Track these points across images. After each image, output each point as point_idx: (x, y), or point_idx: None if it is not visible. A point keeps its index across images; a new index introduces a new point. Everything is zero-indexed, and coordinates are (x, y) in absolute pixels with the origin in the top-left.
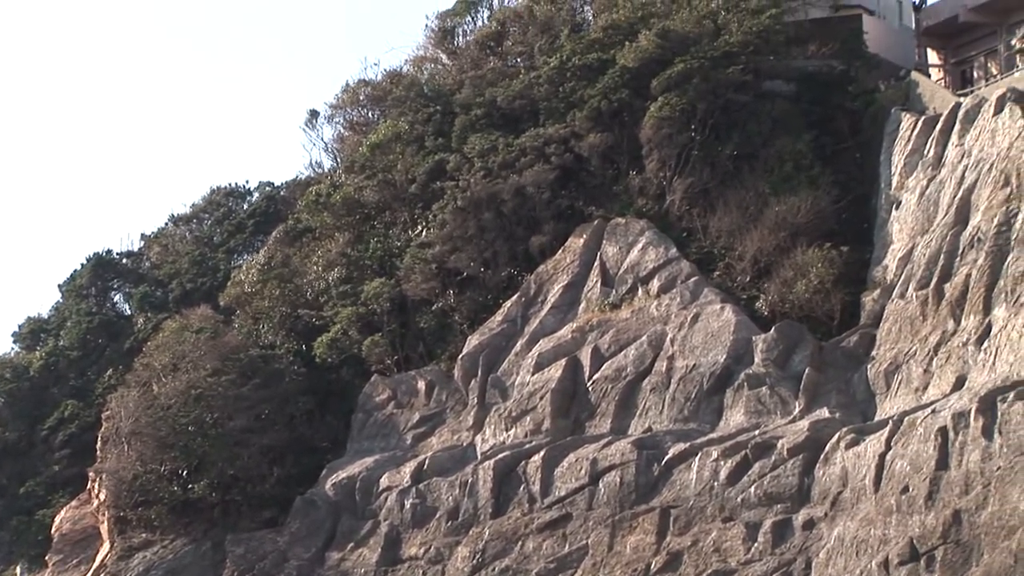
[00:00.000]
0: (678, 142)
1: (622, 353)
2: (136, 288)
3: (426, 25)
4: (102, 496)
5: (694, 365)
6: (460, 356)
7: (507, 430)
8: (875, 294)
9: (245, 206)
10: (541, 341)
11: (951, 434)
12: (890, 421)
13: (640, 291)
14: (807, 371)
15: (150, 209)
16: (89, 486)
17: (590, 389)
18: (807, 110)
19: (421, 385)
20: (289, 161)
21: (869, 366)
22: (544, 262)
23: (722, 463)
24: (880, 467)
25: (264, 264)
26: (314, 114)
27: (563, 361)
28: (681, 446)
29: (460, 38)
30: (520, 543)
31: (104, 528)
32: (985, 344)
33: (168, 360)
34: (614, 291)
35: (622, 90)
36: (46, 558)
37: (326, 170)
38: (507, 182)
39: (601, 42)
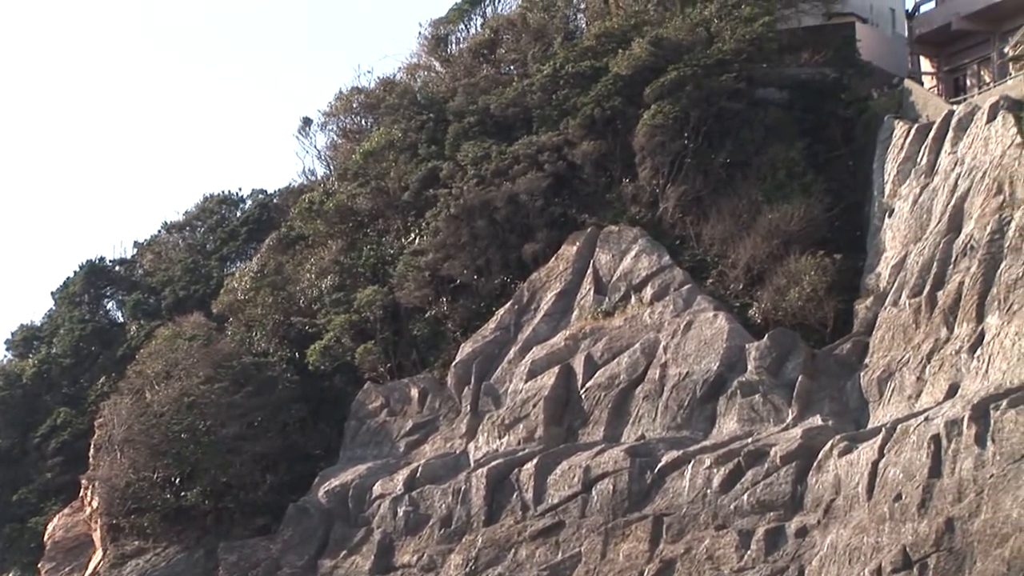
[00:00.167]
0: (671, 150)
1: (615, 361)
2: (129, 295)
3: (419, 33)
4: (95, 503)
5: (687, 373)
6: (453, 364)
7: (500, 438)
8: (868, 302)
9: (238, 213)
10: (534, 349)
11: (944, 442)
12: (883, 429)
13: (633, 299)
14: (800, 379)
15: (143, 216)
16: (82, 493)
17: (583, 397)
18: (800, 118)
19: (414, 393)
20: (282, 169)
21: (862, 374)
22: (537, 270)
23: (715, 471)
24: (873, 475)
25: (257, 272)
26: (307, 121)
27: (556, 369)
28: (674, 454)
29: (453, 46)
30: (513, 551)
31: (97, 535)
32: (978, 352)
33: (161, 367)
34: (607, 299)
35: (615, 98)
36: (39, 566)
37: (319, 178)
38: (500, 190)
39: (594, 50)
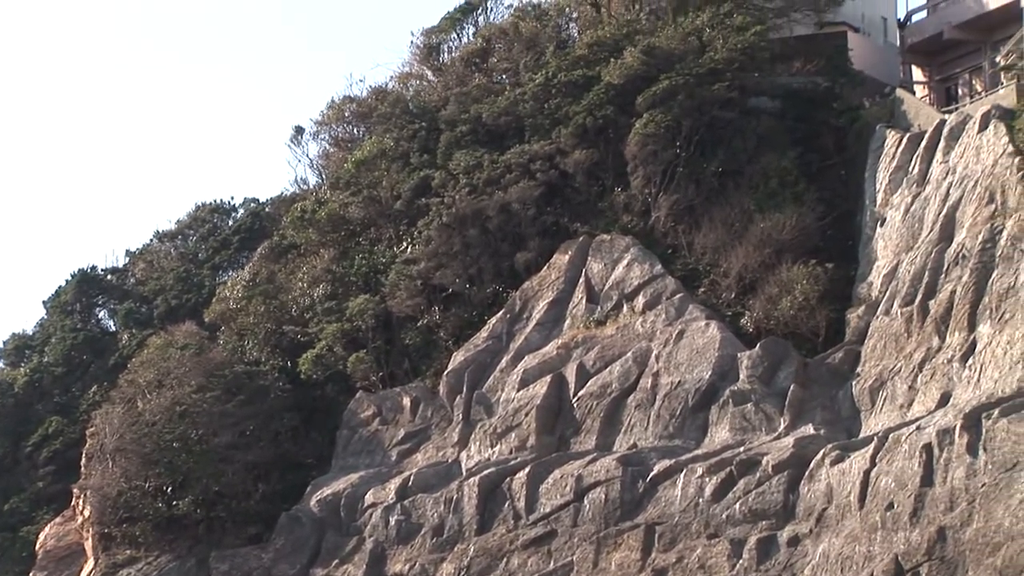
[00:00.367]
0: (663, 159)
1: (607, 370)
2: (121, 304)
3: (411, 42)
4: (86, 513)
5: (679, 382)
6: (445, 372)
7: (492, 446)
8: (860, 311)
9: (230, 222)
10: (526, 357)
11: (936, 451)
12: (875, 438)
13: (625, 308)
14: (792, 388)
15: (135, 225)
16: (73, 503)
17: (575, 406)
18: (792, 127)
19: (406, 401)
20: (274, 177)
21: (854, 383)
22: (529, 279)
23: (707, 480)
24: (865, 484)
25: (249, 280)
26: (299, 130)
27: (548, 378)
28: (666, 463)
29: (445, 55)
30: (505, 560)
31: (88, 545)
32: (970, 361)
33: (153, 376)
34: (599, 308)
35: (607, 107)
36: (30, 575)
37: (311, 186)
38: (492, 198)
39: (586, 59)
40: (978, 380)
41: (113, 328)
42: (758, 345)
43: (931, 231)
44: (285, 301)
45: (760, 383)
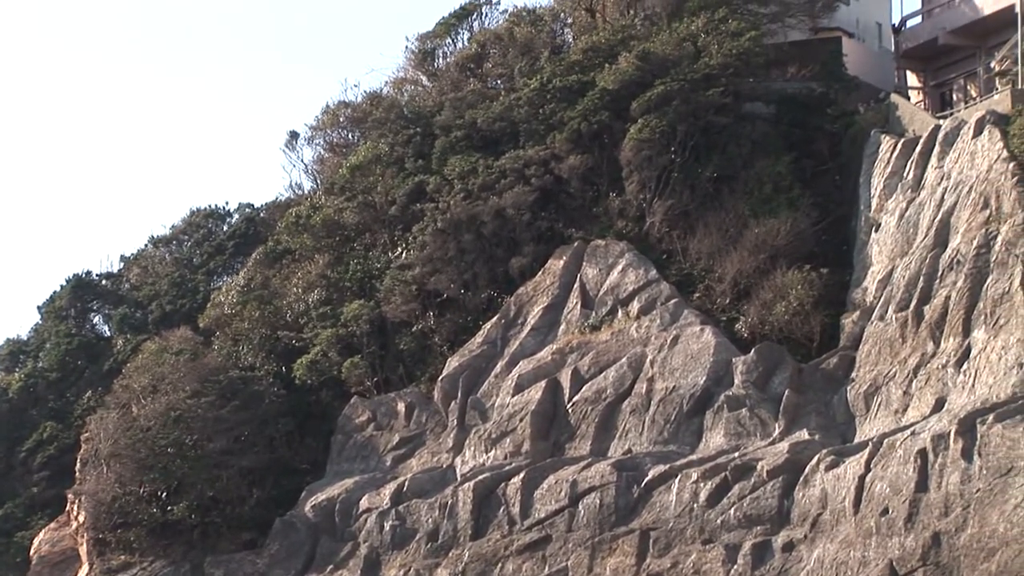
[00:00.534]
0: (658, 164)
1: (602, 375)
2: (115, 309)
3: (406, 47)
4: (81, 518)
5: (674, 387)
6: (440, 378)
7: (487, 452)
8: (854, 316)
9: (225, 228)
10: (521, 363)
11: (930, 456)
12: (869, 443)
13: (620, 313)
14: (787, 393)
15: (130, 230)
16: (68, 508)
17: (570, 411)
18: (787, 132)
19: (401, 407)
20: (269, 183)
21: (848, 388)
22: (524, 284)
23: (702, 485)
24: (859, 489)
25: (244, 286)
26: (294, 135)
27: (543, 383)
28: (661, 468)
29: (440, 60)
30: (500, 565)
31: (83, 550)
32: (964, 366)
33: (147, 382)
34: (594, 313)
35: (602, 112)
36: None
37: (306, 192)
38: (487, 204)
39: (581, 64)
40: (973, 385)
41: (108, 333)
42: (753, 350)
43: (926, 236)
44: (280, 306)
45: (755, 388)
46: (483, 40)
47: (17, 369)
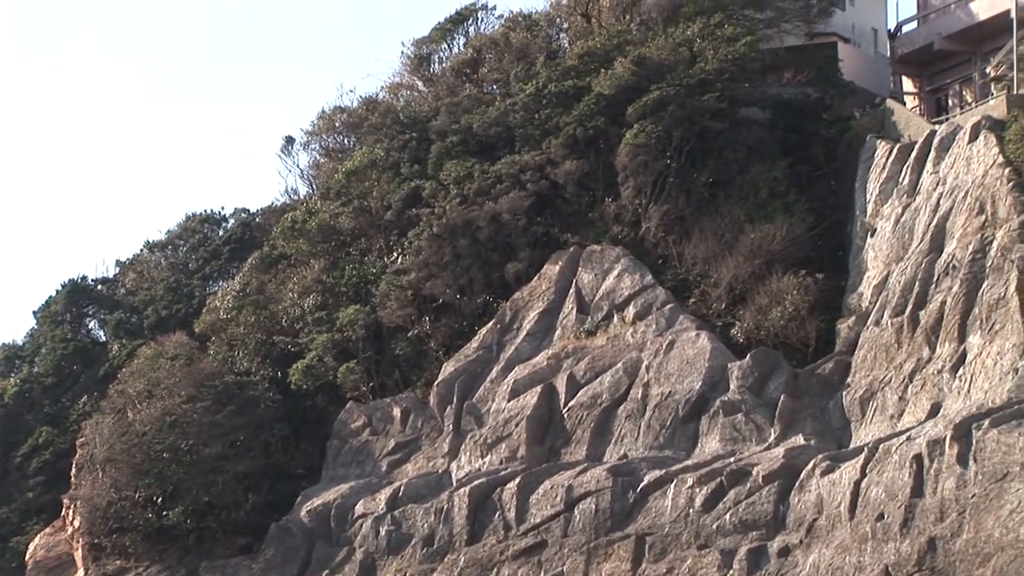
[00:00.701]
0: (654, 169)
1: (597, 380)
2: (111, 315)
3: (402, 52)
4: (76, 523)
5: (669, 392)
6: (435, 383)
7: (482, 457)
8: (850, 321)
9: (220, 233)
10: (516, 368)
11: (926, 461)
12: (865, 448)
13: (615, 318)
14: (782, 398)
15: (125, 235)
16: (63, 513)
17: (565, 416)
18: (782, 137)
19: (396, 412)
20: (265, 188)
21: (844, 393)
22: (520, 289)
23: (697, 490)
24: (855, 494)
25: (239, 291)
26: (290, 141)
27: (538, 388)
28: (656, 473)
29: (436, 65)
30: (495, 570)
31: (78, 555)
32: (960, 371)
33: (143, 387)
34: (589, 318)
35: (598, 117)
36: None
37: (302, 197)
38: (483, 209)
39: (577, 69)
40: (968, 390)
41: (103, 338)
42: (748, 355)
43: (921, 242)
44: (275, 311)
45: (750, 393)
46: (479, 45)
47: (13, 374)
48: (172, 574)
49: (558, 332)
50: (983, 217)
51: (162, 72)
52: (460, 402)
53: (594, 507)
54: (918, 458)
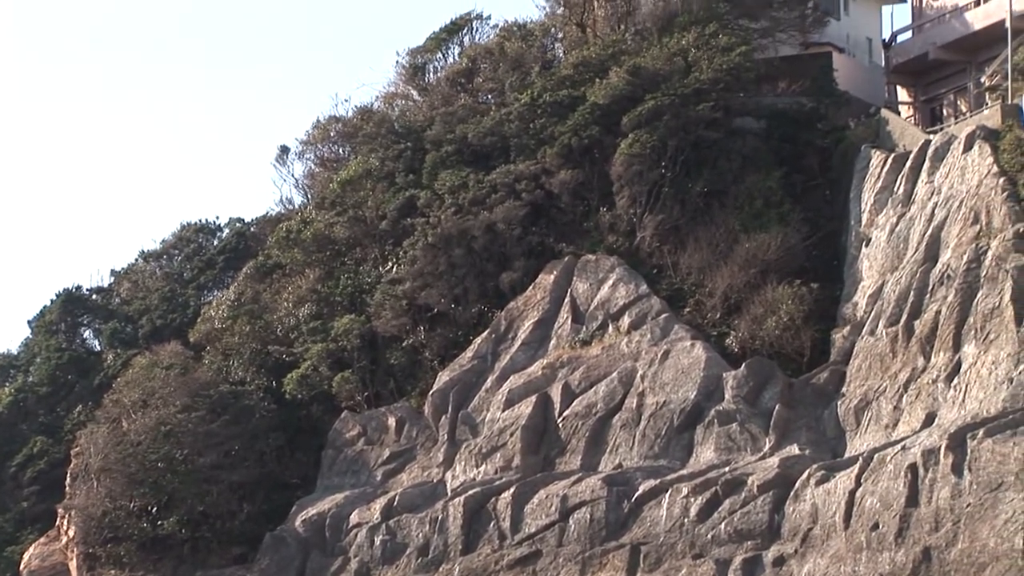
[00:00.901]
0: (648, 179)
1: (592, 390)
2: (106, 324)
3: (397, 62)
4: (71, 533)
5: (664, 402)
6: (430, 392)
7: (477, 466)
8: (845, 331)
9: (215, 242)
10: (511, 378)
11: (921, 471)
12: (860, 458)
13: (610, 328)
14: (777, 408)
15: (120, 245)
16: (58, 523)
17: (560, 426)
18: (777, 147)
19: (391, 421)
20: (259, 197)
21: (839, 403)
22: (515, 299)
23: (692, 500)
24: (850, 504)
25: (234, 300)
26: (285, 150)
27: (533, 398)
28: (651, 483)
29: (431, 75)
30: None
31: (73, 565)
32: (955, 381)
33: (138, 396)
34: (584, 328)
35: (593, 127)
36: None
37: (296, 206)
38: (478, 218)
39: (572, 79)
40: (963, 400)
41: (98, 348)
42: (743, 365)
43: (916, 251)
44: (270, 321)
45: (745, 403)
46: (474, 55)
47: (7, 384)
48: None
49: (553, 342)
50: (978, 227)
51: (157, 82)
52: (455, 412)
53: (589, 516)
54: (913, 468)
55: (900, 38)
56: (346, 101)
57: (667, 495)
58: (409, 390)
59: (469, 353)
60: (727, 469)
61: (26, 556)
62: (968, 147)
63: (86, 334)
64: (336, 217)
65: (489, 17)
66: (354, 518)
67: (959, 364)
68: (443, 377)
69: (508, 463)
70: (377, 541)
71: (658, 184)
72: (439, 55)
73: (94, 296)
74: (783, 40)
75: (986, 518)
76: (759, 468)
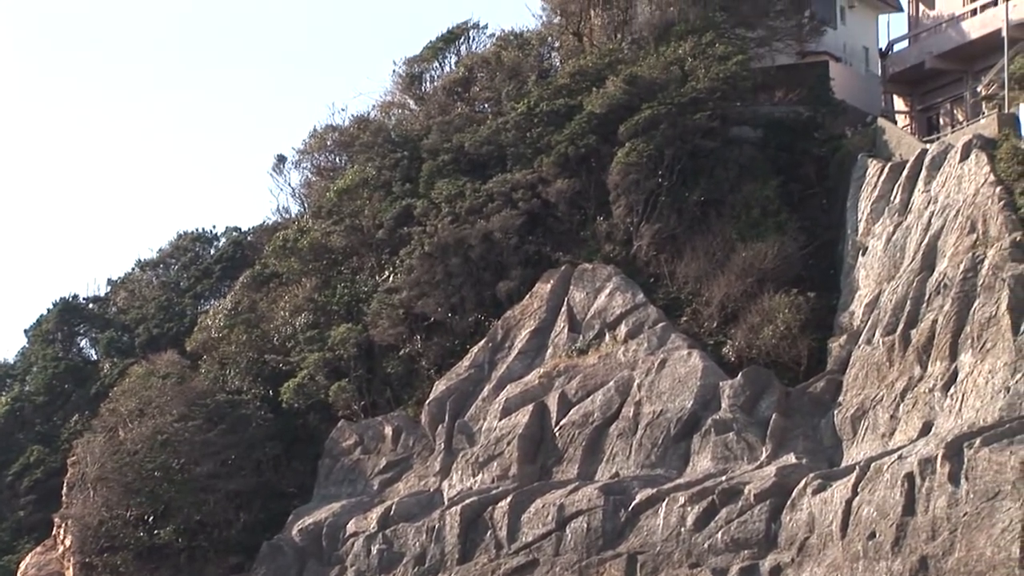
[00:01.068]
0: (645, 188)
1: (589, 399)
2: (102, 333)
3: (393, 71)
4: (68, 542)
5: (661, 411)
6: (427, 402)
7: (474, 476)
8: (842, 340)
9: (212, 251)
10: (508, 387)
11: (918, 480)
12: (857, 467)
13: (607, 337)
14: (774, 417)
15: (117, 254)
16: (55, 532)
17: (557, 435)
18: (774, 156)
19: (388, 431)
20: (256, 206)
21: (836, 412)
22: (511, 308)
23: (689, 509)
24: (847, 513)
25: (231, 309)
26: (281, 159)
27: (530, 407)
28: (648, 492)
29: (428, 84)
30: None
31: (69, 574)
32: (951, 390)
33: (134, 405)
34: (581, 337)
35: (589, 136)
36: None
37: (293, 215)
38: (474, 227)
39: (568, 88)
40: (960, 409)
41: (95, 357)
42: (740, 374)
43: (913, 260)
44: (267, 330)
45: (742, 412)
46: (470, 64)
47: (4, 393)
48: None
49: (550, 351)
50: (974, 236)
51: (154, 91)
52: (452, 421)
53: (586, 526)
54: (910, 477)
55: (897, 47)
56: (343, 110)
57: (664, 504)
58: (406, 399)
59: (466, 362)
60: (724, 478)
61: (23, 566)
62: (965, 156)
63: (83, 343)
64: (333, 226)
65: (486, 26)
66: (351, 527)
67: (956, 373)
68: (440, 386)
69: (505, 472)
70: (374, 550)
71: (655, 193)
72: (436, 64)
73: (91, 305)
74: (780, 49)
75: (983, 527)
76: (756, 477)
